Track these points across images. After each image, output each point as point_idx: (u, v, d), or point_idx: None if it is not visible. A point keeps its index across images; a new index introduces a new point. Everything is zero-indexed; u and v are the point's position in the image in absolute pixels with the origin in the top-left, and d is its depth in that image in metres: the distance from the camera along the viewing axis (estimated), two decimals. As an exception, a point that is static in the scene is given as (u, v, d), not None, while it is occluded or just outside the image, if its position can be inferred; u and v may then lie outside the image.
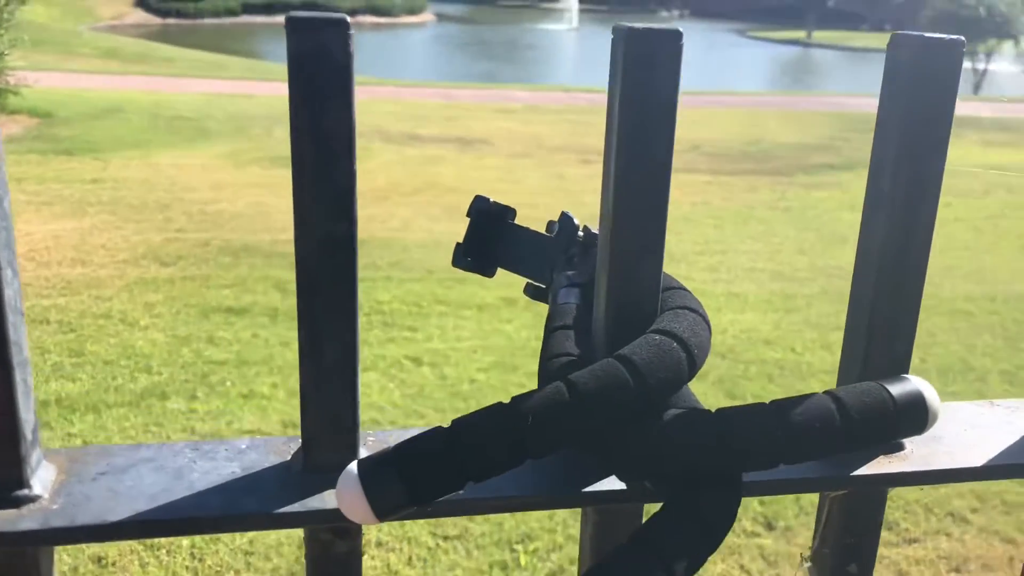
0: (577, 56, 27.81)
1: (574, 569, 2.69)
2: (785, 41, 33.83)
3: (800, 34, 35.35)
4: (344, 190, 0.43)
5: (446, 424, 0.45)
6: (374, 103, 11.30)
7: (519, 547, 2.77)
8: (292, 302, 4.58)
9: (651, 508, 0.56)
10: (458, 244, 0.72)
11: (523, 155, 8.70)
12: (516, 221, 0.73)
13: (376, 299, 4.66)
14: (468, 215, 0.71)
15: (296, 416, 3.51)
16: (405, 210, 6.44)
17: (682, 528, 0.44)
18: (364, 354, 4.05)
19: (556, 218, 0.69)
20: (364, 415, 3.76)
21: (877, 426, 0.47)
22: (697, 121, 11.23)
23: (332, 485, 0.48)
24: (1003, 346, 4.33)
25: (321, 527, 0.48)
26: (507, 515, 2.74)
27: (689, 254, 5.48)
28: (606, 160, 0.47)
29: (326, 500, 0.47)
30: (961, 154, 9.55)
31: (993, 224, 6.77)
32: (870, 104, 12.26)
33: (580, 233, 0.65)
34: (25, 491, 0.44)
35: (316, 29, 0.40)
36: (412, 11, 34.77)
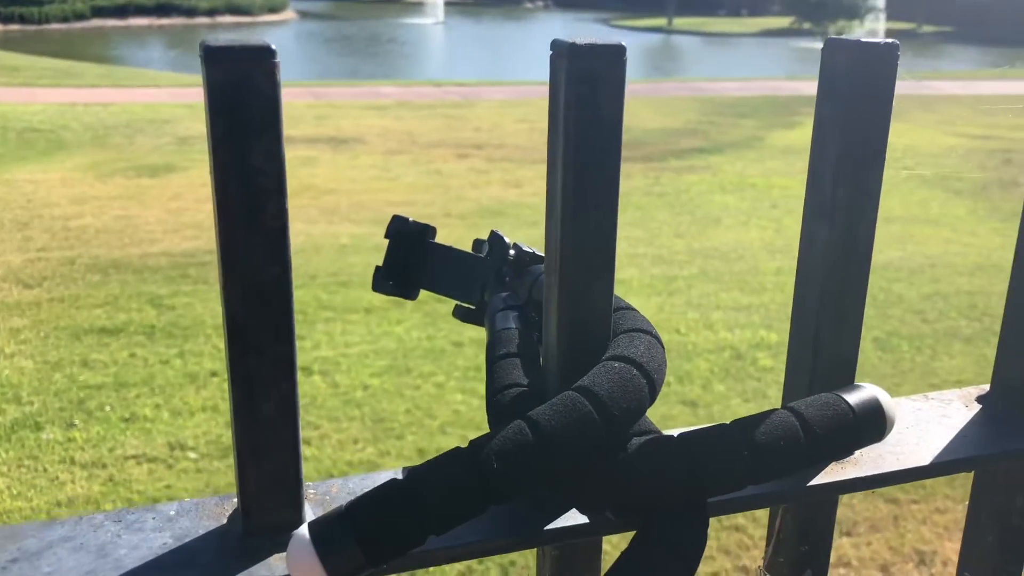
0: (445, 50, 27.72)
1: (482, 568, 2.68)
2: (647, 28, 34.60)
3: (661, 21, 36.24)
4: (275, 232, 0.40)
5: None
6: (240, 105, 10.95)
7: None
8: (169, 318, 4.39)
9: (610, 538, 0.54)
10: (377, 268, 0.68)
11: (398, 152, 8.61)
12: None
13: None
14: (386, 236, 0.68)
15: (184, 436, 3.37)
16: (282, 215, 6.27)
17: (657, 563, 0.42)
18: (251, 367, 3.92)
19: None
20: (255, 430, 3.67)
21: (840, 439, 0.47)
22: (569, 111, 11.34)
23: (278, 548, 0.44)
24: (873, 314, 4.54)
25: (266, 594, 0.44)
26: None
27: (572, 244, 5.53)
28: (551, 180, 0.45)
29: (273, 567, 0.43)
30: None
31: (854, 198, 7.10)
32: (731, 88, 12.67)
33: (511, 252, 0.63)
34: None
35: (238, 59, 0.36)
36: (273, 9, 33.90)
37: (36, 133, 8.87)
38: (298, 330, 3.27)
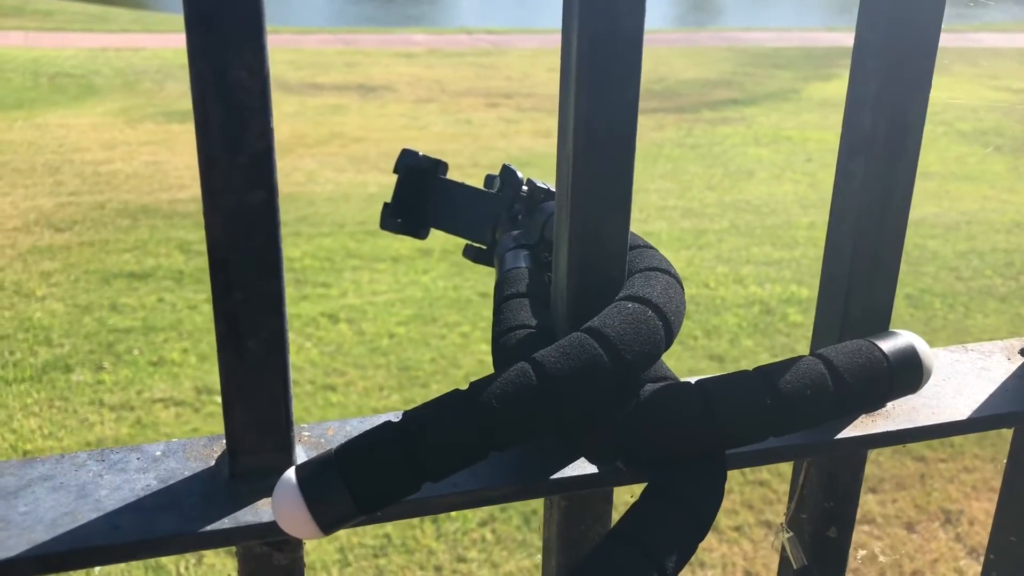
0: (477, -2, 27.34)
1: (505, 516, 2.68)
2: (683, -23, 33.87)
3: (697, -31, 35.47)
4: (259, 153, 0.36)
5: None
6: (271, 52, 10.89)
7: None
8: (197, 263, 4.41)
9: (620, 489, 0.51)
10: (386, 204, 0.65)
11: (427, 100, 8.53)
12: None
13: (286, 256, 4.49)
14: (395, 171, 0.65)
15: (210, 380, 3.40)
16: (309, 162, 6.25)
17: (667, 517, 0.39)
18: (277, 313, 3.93)
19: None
20: (281, 376, 3.70)
21: (872, 388, 0.43)
22: (601, 60, 11.19)
23: (266, 493, 0.42)
24: (906, 270, 4.45)
25: (255, 542, 0.41)
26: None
27: (601, 195, 5.46)
28: (563, 106, 0.41)
29: (260, 512, 0.41)
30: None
31: (891, 152, 6.95)
32: (767, 38, 12.41)
33: (524, 188, 0.59)
34: None
35: (214, -41, 0.33)
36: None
37: (68, 78, 8.89)
38: (325, 278, 3.29)
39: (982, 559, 0.61)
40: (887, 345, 0.45)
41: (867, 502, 2.79)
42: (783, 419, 0.42)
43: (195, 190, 5.53)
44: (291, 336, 3.72)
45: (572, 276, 0.44)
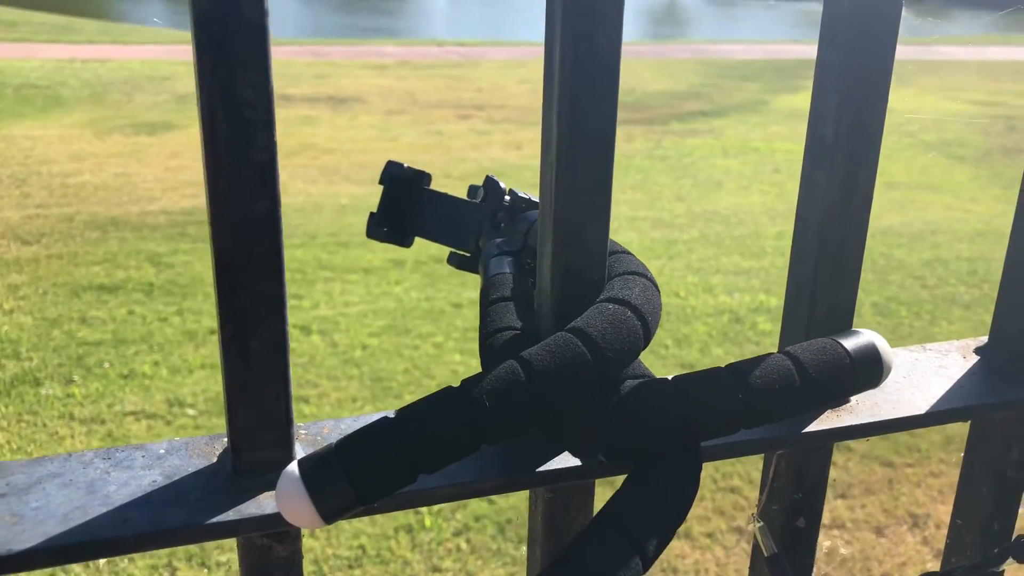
0: (448, 9, 27.43)
1: (479, 526, 2.70)
2: (651, -10, 34.21)
3: (665, -18, 35.84)
4: (263, 165, 0.39)
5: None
6: (240, 64, 10.87)
7: (423, 509, 2.75)
8: (167, 276, 4.39)
9: (601, 482, 0.54)
10: (372, 214, 0.68)
11: (399, 112, 8.55)
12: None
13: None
14: (381, 182, 0.67)
15: (182, 393, 3.37)
16: (281, 174, 6.22)
17: (647, 505, 0.42)
18: (249, 325, 3.93)
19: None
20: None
21: (836, 383, 0.46)
22: (571, 72, 11.26)
23: (267, 487, 0.44)
24: (873, 279, 4.54)
25: (255, 534, 0.44)
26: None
27: (572, 206, 5.50)
28: (546, 119, 0.44)
29: (263, 505, 0.43)
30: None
31: (857, 163, 7.06)
32: (735, 51, 12.54)
33: (507, 198, 0.62)
34: (-88, 525, 0.38)
35: (224, -15, 0.35)
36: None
37: (34, 89, 8.81)
38: (297, 289, 3.28)
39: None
40: (850, 343, 0.48)
41: (836, 507, 2.83)
42: (753, 412, 0.45)
43: (165, 202, 5.50)
44: (264, 348, 3.72)
45: (556, 279, 0.46)
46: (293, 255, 4.72)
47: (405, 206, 0.67)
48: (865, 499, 2.93)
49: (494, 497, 2.72)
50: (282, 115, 8.18)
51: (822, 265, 0.51)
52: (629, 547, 0.40)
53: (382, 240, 0.68)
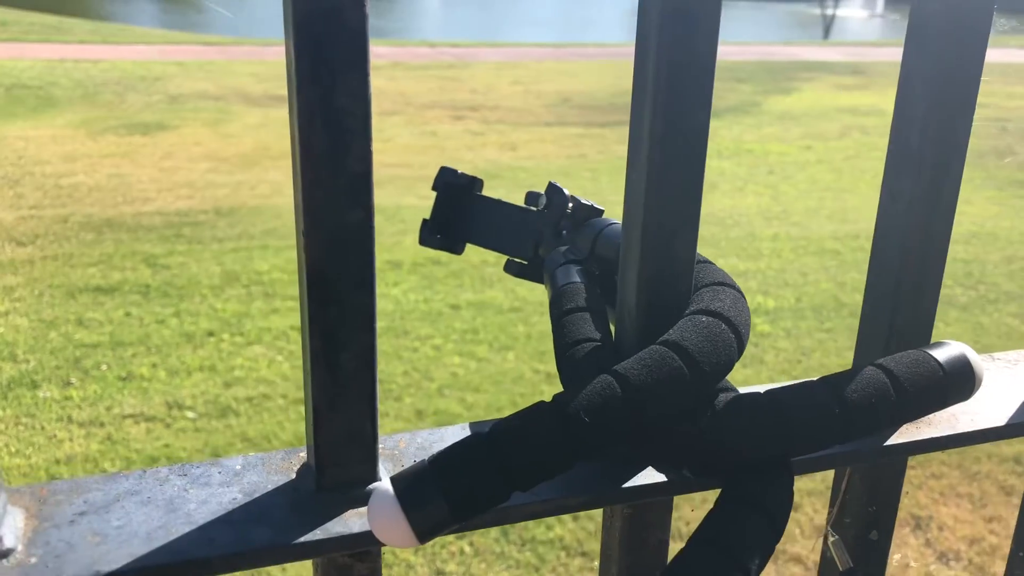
0: (440, 9, 27.41)
1: (482, 529, 2.69)
2: (641, -9, 34.24)
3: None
4: (359, 175, 0.38)
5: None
6: (233, 64, 10.83)
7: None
8: (164, 277, 4.36)
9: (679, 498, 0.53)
10: (425, 221, 0.66)
11: (392, 113, 8.53)
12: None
13: (255, 269, 4.49)
14: (434, 188, 0.66)
15: (181, 395, 3.35)
16: (275, 174, 6.21)
17: (748, 523, 0.41)
18: (247, 327, 3.91)
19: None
20: (253, 390, 3.62)
21: (929, 396, 0.46)
22: (565, 73, 11.28)
23: (353, 505, 0.43)
24: (864, 281, 4.54)
25: (338, 553, 0.42)
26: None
27: (569, 207, 5.50)
28: (635, 127, 0.43)
29: (349, 523, 0.42)
30: (817, 97, 9.95)
31: (851, 165, 7.09)
32: (727, 52, 12.53)
33: (570, 205, 0.61)
34: (-6, 545, 0.37)
35: (326, -12, 0.34)
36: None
37: (25, 89, 8.75)
38: (294, 291, 3.26)
39: (951, 564, 0.63)
40: (942, 355, 0.47)
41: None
42: (849, 427, 0.44)
43: (160, 203, 5.47)
44: (261, 350, 3.70)
45: (642, 290, 0.45)
46: (290, 257, 4.70)
47: (457, 212, 0.66)
48: (869, 501, 2.93)
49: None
50: (276, 116, 8.15)
51: (905, 276, 0.50)
52: (733, 567, 0.40)
53: (435, 247, 0.67)
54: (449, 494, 0.38)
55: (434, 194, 0.67)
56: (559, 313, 0.50)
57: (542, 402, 0.41)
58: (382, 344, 3.79)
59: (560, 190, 0.62)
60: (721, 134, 8.17)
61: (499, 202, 0.66)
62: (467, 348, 3.80)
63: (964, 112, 0.47)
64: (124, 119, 7.71)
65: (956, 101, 0.47)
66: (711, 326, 0.44)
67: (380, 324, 3.37)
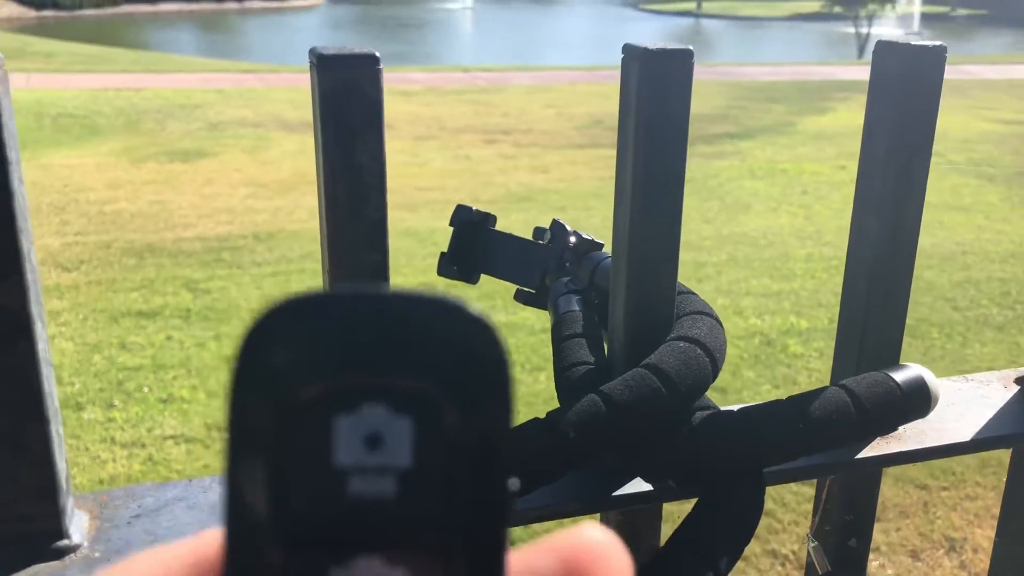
0: (474, 35, 27.69)
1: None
2: (676, 12, 34.39)
3: (691, 5, 36.00)
4: (376, 223, 0.44)
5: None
6: (270, 91, 11.05)
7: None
8: (204, 302, 4.47)
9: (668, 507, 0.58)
10: (443, 254, 0.73)
11: (427, 137, 8.65)
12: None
13: (293, 292, 4.58)
14: (451, 224, 0.72)
15: (220, 416, 3.43)
16: (312, 200, 6.33)
17: (718, 526, 0.46)
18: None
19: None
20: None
21: (888, 414, 0.50)
22: (597, 95, 11.35)
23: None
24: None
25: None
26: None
27: (600, 229, 5.54)
28: (620, 173, 0.49)
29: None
30: (851, 116, 9.92)
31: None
32: (761, 72, 12.50)
33: (572, 239, 0.67)
34: (65, 541, 0.43)
35: (346, 66, 0.40)
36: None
37: (71, 118, 9.00)
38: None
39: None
40: (900, 376, 0.52)
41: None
42: (813, 441, 0.49)
43: (200, 229, 5.61)
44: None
45: (628, 317, 0.51)
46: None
47: (473, 246, 0.72)
48: (900, 522, 2.93)
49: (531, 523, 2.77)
50: (312, 142, 8.29)
51: (872, 303, 0.55)
52: (704, 565, 0.45)
53: (452, 278, 0.73)
54: None
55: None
56: (558, 339, 0.56)
57: (536, 418, 0.47)
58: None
59: (563, 226, 0.68)
60: (755, 155, 8.17)
61: (510, 236, 0.72)
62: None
63: (922, 156, 0.52)
64: (165, 146, 7.90)
65: (914, 147, 0.52)
66: (688, 351, 0.49)
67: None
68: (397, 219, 5.87)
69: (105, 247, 5.25)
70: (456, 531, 0.18)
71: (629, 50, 0.46)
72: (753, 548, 2.74)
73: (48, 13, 26.45)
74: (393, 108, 10.19)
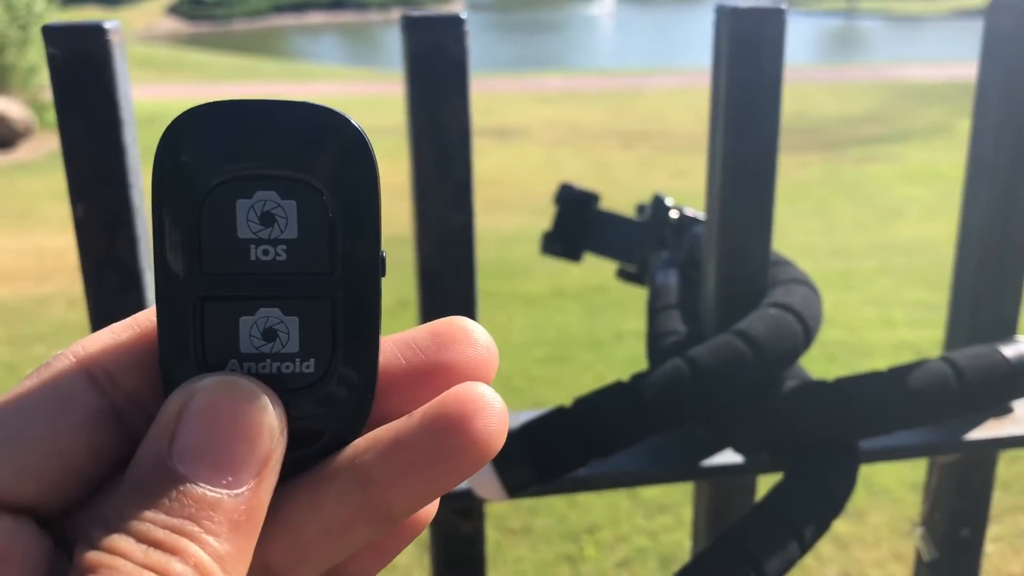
0: (614, 39, 27.62)
1: (641, 558, 2.69)
2: (827, 11, 33.28)
3: (841, 3, 34.77)
4: (461, 182, 0.45)
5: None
6: (414, 99, 11.35)
7: (585, 539, 2.77)
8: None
9: (764, 481, 0.57)
10: (546, 232, 0.74)
11: (563, 143, 8.68)
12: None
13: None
14: (556, 202, 0.73)
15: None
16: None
17: (807, 494, 0.45)
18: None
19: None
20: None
21: (993, 388, 0.48)
22: (740, 99, 11.10)
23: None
24: None
25: (444, 510, 0.49)
26: (569, 508, 2.74)
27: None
28: (712, 138, 0.48)
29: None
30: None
31: None
32: (918, 72, 11.96)
33: (674, 213, 0.67)
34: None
35: (432, 28, 0.42)
36: (443, 1, 34.84)
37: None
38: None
39: None
40: (1010, 350, 0.49)
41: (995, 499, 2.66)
42: (910, 413, 0.47)
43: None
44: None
45: (719, 287, 0.50)
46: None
47: (577, 224, 0.72)
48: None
49: (657, 531, 2.72)
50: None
51: (983, 275, 0.52)
52: (788, 531, 0.44)
53: (555, 255, 0.74)
54: (534, 455, 0.45)
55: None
56: (652, 310, 0.56)
57: (620, 380, 0.47)
58: (543, 371, 3.87)
59: (662, 201, 0.67)
60: (910, 158, 7.80)
61: (613, 214, 0.72)
62: (629, 376, 3.82)
63: (1037, 120, 0.49)
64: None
65: (1029, 110, 0.49)
66: (779, 317, 0.48)
67: (541, 351, 3.46)
68: (532, 225, 5.91)
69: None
70: (337, 286, 0.24)
71: (720, 10, 0.45)
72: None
73: (203, 27, 28.10)
74: (530, 113, 10.28)
